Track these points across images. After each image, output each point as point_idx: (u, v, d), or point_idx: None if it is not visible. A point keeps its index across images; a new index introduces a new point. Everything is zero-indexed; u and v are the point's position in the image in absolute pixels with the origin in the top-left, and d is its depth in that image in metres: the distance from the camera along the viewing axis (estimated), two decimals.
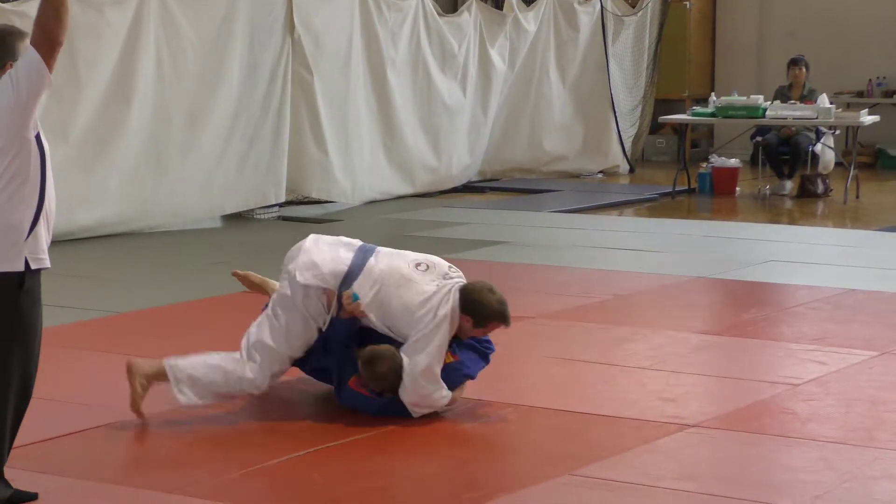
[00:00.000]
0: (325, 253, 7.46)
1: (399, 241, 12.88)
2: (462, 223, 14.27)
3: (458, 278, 7.56)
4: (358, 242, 7.64)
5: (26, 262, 5.74)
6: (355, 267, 7.39)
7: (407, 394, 7.26)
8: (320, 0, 14.96)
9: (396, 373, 7.20)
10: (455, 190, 16.73)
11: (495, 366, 8.15)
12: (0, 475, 5.94)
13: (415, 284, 7.37)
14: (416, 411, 7.30)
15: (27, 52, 5.67)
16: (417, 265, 7.53)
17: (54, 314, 9.10)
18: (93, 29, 13.10)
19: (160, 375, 7.45)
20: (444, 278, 7.49)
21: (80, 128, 13.01)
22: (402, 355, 7.26)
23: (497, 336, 8.64)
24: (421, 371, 7.18)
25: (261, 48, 14.38)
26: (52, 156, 12.00)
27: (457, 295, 7.41)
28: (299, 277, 7.31)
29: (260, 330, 7.43)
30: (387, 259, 7.52)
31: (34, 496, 6.03)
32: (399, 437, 7.20)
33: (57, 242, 11.82)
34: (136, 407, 7.35)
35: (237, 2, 14.19)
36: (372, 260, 7.44)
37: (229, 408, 7.54)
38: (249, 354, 7.36)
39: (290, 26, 14.55)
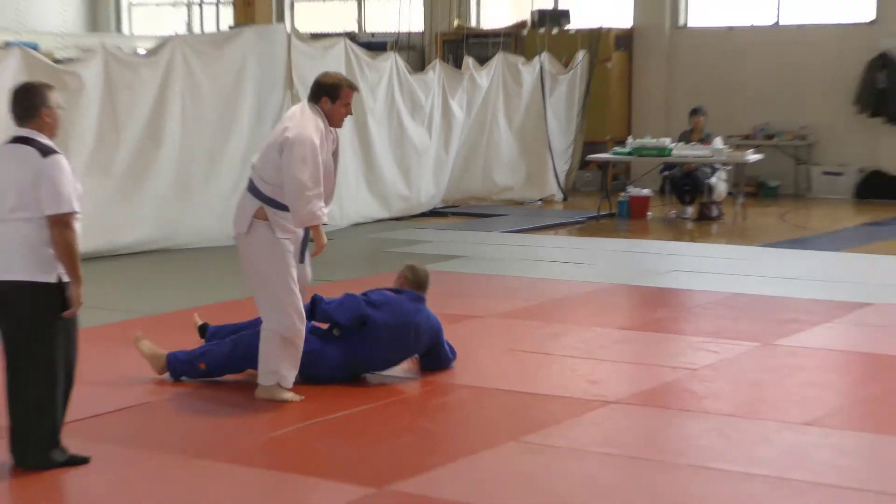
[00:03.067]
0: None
1: (379, 256, 13.01)
2: (429, 241, 14.31)
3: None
4: None
5: (58, 277, 5.85)
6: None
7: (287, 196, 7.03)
8: (313, 61, 14.96)
9: None
10: (423, 214, 16.67)
11: (457, 352, 8.19)
12: (57, 443, 6.01)
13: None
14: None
15: (47, 169, 5.81)
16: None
17: (102, 315, 9.20)
18: (130, 84, 13.08)
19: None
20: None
21: (120, 165, 12.99)
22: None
23: (456, 331, 8.73)
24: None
25: (266, 100, 14.37)
26: (97, 188, 12.09)
27: (303, 102, 7.38)
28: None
29: None
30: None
31: (87, 460, 6.08)
32: (377, 413, 7.27)
33: (103, 258, 11.99)
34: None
35: (246, 63, 14.19)
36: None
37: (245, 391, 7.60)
38: None
39: (289, 82, 14.54)
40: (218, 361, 7.66)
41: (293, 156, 6.95)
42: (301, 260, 7.35)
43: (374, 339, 7.61)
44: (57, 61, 13.89)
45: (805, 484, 5.91)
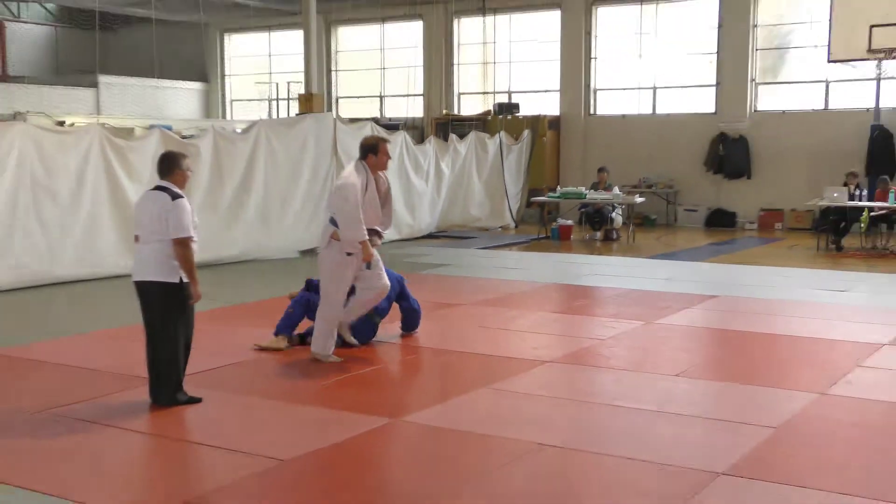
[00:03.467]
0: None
1: (395, 264, 12.91)
2: (428, 254, 14.28)
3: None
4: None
5: (180, 278, 5.89)
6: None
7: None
8: (351, 137, 14.94)
9: None
10: (423, 237, 16.68)
11: (444, 329, 8.17)
12: (181, 387, 6.04)
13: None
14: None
15: (176, 209, 5.86)
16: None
17: (210, 304, 9.12)
18: (230, 152, 13.11)
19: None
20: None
21: (223, 204, 12.99)
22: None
23: (446, 314, 8.68)
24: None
25: (319, 162, 14.35)
26: (208, 220, 12.04)
27: (353, 162, 7.19)
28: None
29: None
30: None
31: (199, 399, 6.09)
32: (388, 370, 7.23)
33: (211, 266, 11.92)
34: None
35: (307, 138, 14.17)
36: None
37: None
38: None
39: (335, 150, 14.54)
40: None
41: (340, 196, 6.93)
42: (368, 266, 7.23)
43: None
44: (183, 137, 13.88)
45: (675, 415, 5.87)
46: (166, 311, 5.94)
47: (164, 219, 5.85)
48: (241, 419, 5.87)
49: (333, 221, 7.07)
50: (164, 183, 6.00)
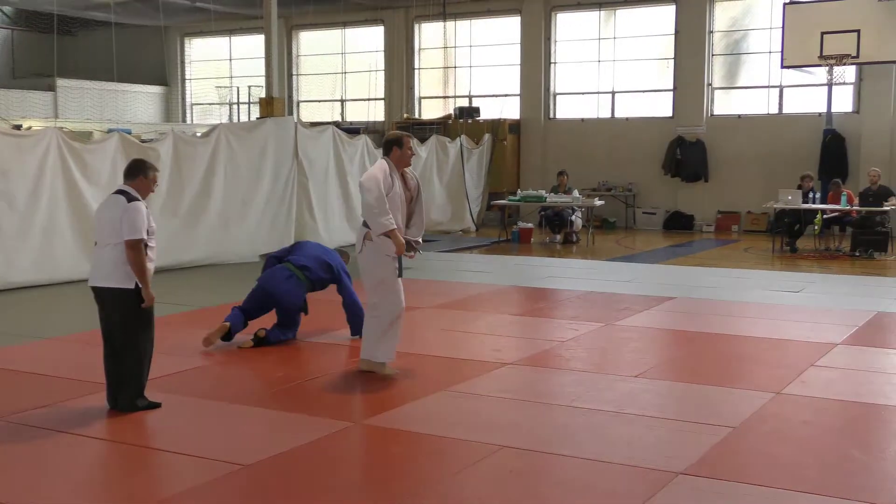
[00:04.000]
0: None
1: (356, 268, 12.86)
2: None
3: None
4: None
5: (136, 284, 5.80)
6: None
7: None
8: (312, 141, 14.90)
9: None
10: None
11: (405, 332, 8.08)
12: (141, 393, 5.97)
13: None
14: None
15: (129, 211, 5.76)
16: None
17: (171, 308, 9.03)
18: (190, 156, 12.97)
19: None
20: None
21: (183, 209, 12.84)
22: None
23: (408, 318, 8.61)
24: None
25: (280, 165, 14.25)
26: (168, 224, 11.93)
27: (378, 162, 6.77)
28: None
29: None
30: None
31: (158, 405, 6.01)
32: (350, 374, 7.17)
33: (171, 270, 11.78)
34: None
35: (268, 142, 14.07)
36: None
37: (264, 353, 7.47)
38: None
39: (295, 154, 14.47)
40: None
41: (363, 189, 6.59)
42: (400, 274, 6.93)
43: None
44: (143, 141, 13.76)
45: (634, 416, 5.89)
46: (124, 317, 5.84)
47: (119, 222, 5.76)
48: (200, 424, 5.80)
49: (366, 223, 6.73)
50: (124, 187, 5.92)
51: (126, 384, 5.88)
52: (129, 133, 14.80)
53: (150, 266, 5.89)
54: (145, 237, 5.79)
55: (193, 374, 7.02)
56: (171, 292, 9.76)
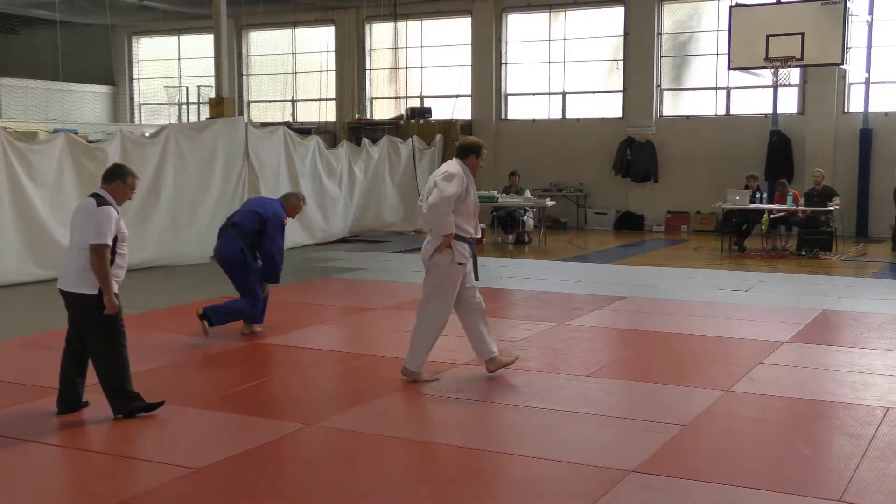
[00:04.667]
0: None
1: (309, 269, 12.82)
2: (341, 258, 14.20)
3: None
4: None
5: (99, 290, 5.69)
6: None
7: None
8: (262, 141, 14.81)
9: None
10: (336, 241, 16.59)
11: (358, 333, 8.11)
12: (131, 395, 5.88)
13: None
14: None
15: (97, 214, 5.63)
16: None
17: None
18: (139, 156, 12.79)
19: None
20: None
21: (132, 210, 12.61)
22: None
23: (361, 318, 8.61)
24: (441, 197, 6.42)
25: (231, 166, 14.14)
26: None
27: (452, 160, 6.72)
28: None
29: None
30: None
31: (161, 403, 5.96)
32: (303, 375, 7.14)
33: None
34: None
35: (218, 142, 13.96)
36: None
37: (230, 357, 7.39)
38: None
39: (246, 155, 14.37)
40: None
41: (439, 186, 6.49)
42: (476, 278, 6.88)
43: None
44: (90, 141, 13.55)
45: (586, 414, 5.94)
46: (89, 323, 5.76)
47: (87, 225, 5.66)
48: (152, 427, 5.72)
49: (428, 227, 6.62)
50: (99, 190, 5.82)
51: (110, 391, 5.78)
52: (76, 133, 14.56)
53: (121, 273, 5.80)
54: (110, 243, 5.65)
55: (144, 377, 6.89)
56: (120, 294, 9.64)
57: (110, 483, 4.91)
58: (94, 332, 5.76)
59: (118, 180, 5.82)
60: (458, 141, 6.93)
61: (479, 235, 6.85)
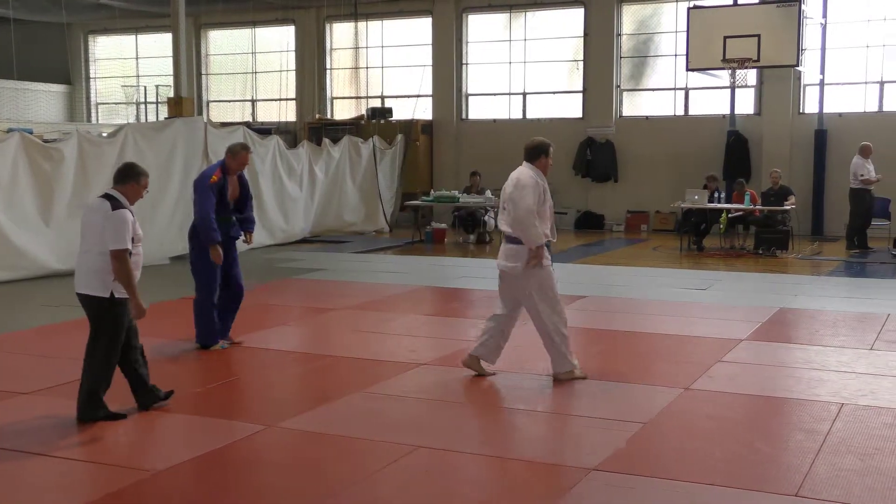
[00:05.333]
0: None
1: (269, 269, 12.75)
2: (301, 259, 14.14)
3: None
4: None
5: (111, 292, 5.69)
6: None
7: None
8: (222, 141, 14.62)
9: None
10: (297, 241, 16.51)
11: (318, 334, 8.08)
12: (100, 402, 5.80)
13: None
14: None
15: (113, 218, 5.62)
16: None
17: (71, 312, 8.78)
18: (97, 156, 12.67)
19: None
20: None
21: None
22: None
23: (321, 319, 8.57)
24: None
25: (190, 164, 14.00)
26: (75, 227, 11.57)
27: (523, 167, 6.66)
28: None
29: None
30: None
31: (124, 416, 5.87)
32: (262, 376, 7.11)
33: (70, 275, 11.46)
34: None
35: (177, 142, 13.84)
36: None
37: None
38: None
39: (205, 154, 14.25)
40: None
41: (514, 198, 6.53)
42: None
43: None
44: (46, 141, 13.35)
45: (548, 413, 5.97)
46: (97, 325, 5.75)
47: (102, 228, 5.62)
48: (110, 431, 5.66)
49: (512, 237, 6.64)
50: (111, 191, 5.77)
51: (84, 392, 5.73)
52: (31, 133, 14.37)
53: (137, 274, 5.78)
54: (130, 247, 5.63)
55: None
56: (74, 295, 9.50)
57: (70, 488, 4.85)
58: (96, 334, 5.76)
59: (132, 182, 5.81)
60: (527, 143, 6.85)
61: (554, 238, 6.86)
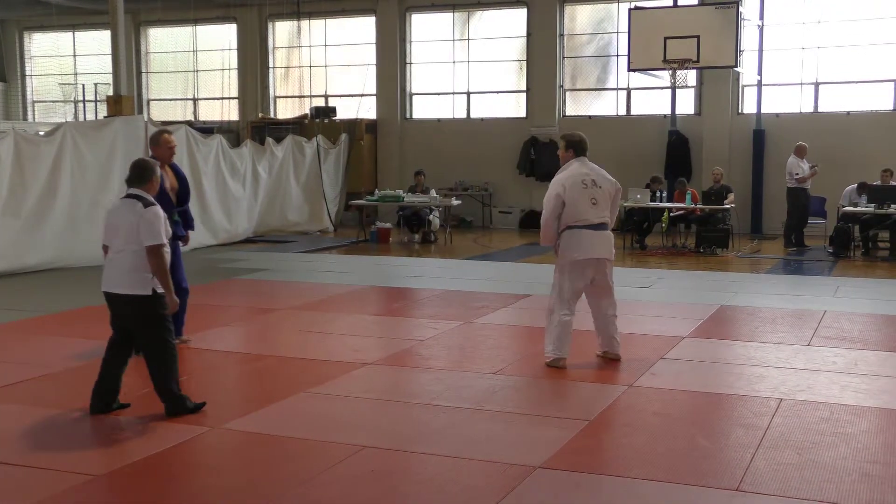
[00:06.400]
0: None
1: (212, 270, 12.61)
2: (245, 259, 14.01)
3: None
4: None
5: (153, 289, 5.76)
6: None
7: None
8: None
9: None
10: (240, 241, 16.36)
11: (262, 334, 8.01)
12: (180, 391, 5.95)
13: None
14: None
15: (147, 215, 5.69)
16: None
17: (15, 314, 8.60)
18: (34, 156, 12.47)
19: None
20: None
21: (26, 210, 12.34)
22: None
23: (264, 319, 8.49)
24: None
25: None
26: (9, 226, 11.41)
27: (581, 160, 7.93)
28: None
29: None
30: None
31: (203, 405, 5.98)
32: (208, 376, 7.02)
33: (13, 275, 11.22)
34: None
35: (117, 141, 13.60)
36: None
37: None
38: None
39: (146, 152, 14.02)
40: None
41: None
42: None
43: None
44: None
45: (494, 412, 5.98)
46: (143, 323, 5.80)
47: (136, 227, 5.69)
48: (50, 434, 5.55)
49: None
50: (137, 191, 5.86)
51: (165, 390, 5.82)
52: None
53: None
54: (166, 242, 5.78)
55: (39, 382, 6.72)
56: (13, 297, 9.32)
57: (4, 493, 4.73)
58: (147, 333, 5.83)
59: (150, 180, 5.93)
60: (570, 139, 8.01)
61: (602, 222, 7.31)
